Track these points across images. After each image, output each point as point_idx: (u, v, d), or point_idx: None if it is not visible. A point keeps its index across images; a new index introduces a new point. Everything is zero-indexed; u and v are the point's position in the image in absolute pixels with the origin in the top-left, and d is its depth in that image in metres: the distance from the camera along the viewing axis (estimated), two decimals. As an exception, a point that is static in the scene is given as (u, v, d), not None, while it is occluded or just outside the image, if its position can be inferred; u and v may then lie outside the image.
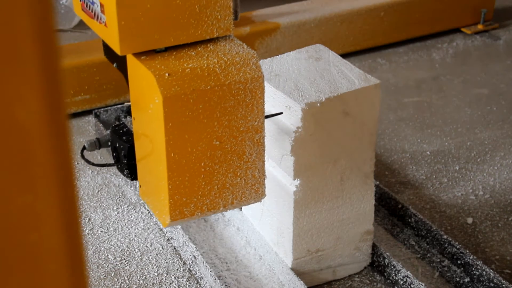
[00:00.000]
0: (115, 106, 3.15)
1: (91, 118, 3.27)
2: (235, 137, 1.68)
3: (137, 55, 1.63)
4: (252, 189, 1.77)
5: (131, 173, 1.84)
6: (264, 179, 1.79)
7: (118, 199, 2.72)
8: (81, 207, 2.68)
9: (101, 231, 2.56)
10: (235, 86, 1.63)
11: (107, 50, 1.76)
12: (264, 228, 2.32)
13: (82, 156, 1.95)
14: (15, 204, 0.60)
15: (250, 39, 3.59)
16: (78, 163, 2.96)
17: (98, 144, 1.93)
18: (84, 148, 1.94)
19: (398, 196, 2.72)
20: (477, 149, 3.06)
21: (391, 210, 2.57)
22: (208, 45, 1.66)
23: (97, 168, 2.92)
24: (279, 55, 2.26)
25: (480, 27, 4.20)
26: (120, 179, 2.83)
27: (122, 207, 2.67)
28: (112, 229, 2.57)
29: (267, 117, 1.92)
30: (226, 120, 1.65)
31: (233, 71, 1.63)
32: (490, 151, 3.04)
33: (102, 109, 3.16)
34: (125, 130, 1.84)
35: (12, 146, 0.58)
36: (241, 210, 2.44)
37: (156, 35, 1.60)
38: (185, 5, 1.59)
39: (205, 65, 1.61)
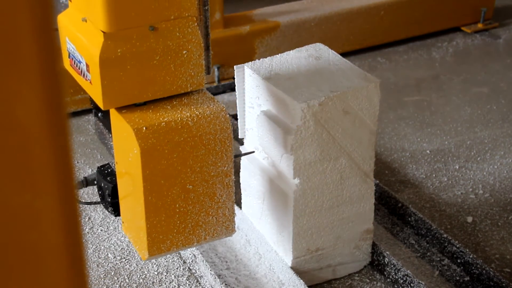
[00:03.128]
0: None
1: (91, 117, 3.27)
2: (207, 181, 1.85)
3: (119, 108, 1.80)
4: (223, 226, 1.94)
5: (115, 210, 2.01)
6: (234, 217, 1.95)
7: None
8: (81, 206, 2.68)
9: (101, 230, 2.56)
10: (206, 137, 1.80)
11: (93, 101, 1.90)
12: (264, 227, 2.32)
13: None
14: (15, 203, 0.60)
15: (250, 38, 3.59)
16: (78, 162, 2.96)
17: (85, 182, 2.11)
18: None
19: (398, 195, 2.73)
20: (477, 148, 3.06)
21: (391, 209, 2.57)
22: (183, 98, 1.84)
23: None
24: (279, 54, 2.26)
25: (480, 26, 4.20)
26: (120, 178, 2.83)
27: (122, 206, 2.68)
28: (112, 228, 2.57)
29: (238, 156, 2.12)
30: (198, 166, 1.82)
31: (204, 124, 1.80)
32: (490, 150, 3.04)
33: (102, 108, 3.16)
34: (109, 170, 2.03)
35: (12, 145, 0.58)
36: (240, 209, 2.45)
37: (136, 91, 1.77)
38: (161, 64, 1.76)
39: (179, 118, 1.79)
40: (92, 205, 2.68)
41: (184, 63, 1.79)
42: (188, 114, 1.80)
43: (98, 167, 2.06)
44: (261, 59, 2.23)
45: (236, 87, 2.24)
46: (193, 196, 1.84)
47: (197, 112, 1.81)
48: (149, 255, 1.86)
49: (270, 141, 2.12)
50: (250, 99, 2.22)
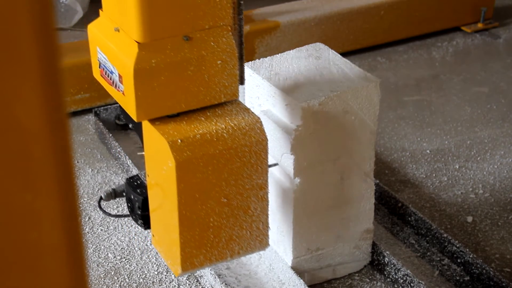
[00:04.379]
0: (115, 105, 3.15)
1: (91, 117, 3.27)
2: (241, 195, 1.81)
3: (152, 120, 1.76)
4: (256, 240, 1.90)
5: (145, 223, 1.98)
6: (268, 231, 1.92)
7: (118, 198, 2.72)
8: (81, 205, 2.68)
9: (101, 230, 2.56)
10: (241, 149, 1.76)
11: (124, 112, 1.88)
12: (264, 226, 2.33)
13: (100, 207, 2.15)
14: (15, 202, 0.60)
15: (250, 37, 3.59)
16: (78, 162, 2.96)
17: (114, 194, 2.10)
18: (101, 198, 2.12)
19: (398, 194, 2.73)
20: (477, 147, 3.06)
21: (391, 208, 2.57)
22: (216, 110, 1.80)
23: (97, 166, 2.92)
24: (279, 54, 2.26)
25: (480, 25, 4.20)
26: (120, 178, 2.83)
27: (122, 206, 2.67)
28: (112, 227, 2.57)
29: None
30: (233, 179, 1.78)
31: (239, 136, 1.76)
32: (490, 150, 3.04)
33: (102, 108, 3.16)
34: (139, 182, 1.99)
35: (12, 145, 0.58)
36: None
37: (169, 102, 1.74)
38: (195, 75, 1.73)
39: (214, 130, 1.75)
40: (93, 203, 2.68)
41: (218, 73, 1.76)
42: (223, 126, 1.76)
43: (127, 179, 2.03)
44: (261, 59, 2.23)
45: (236, 87, 2.24)
46: (227, 209, 1.80)
47: (232, 124, 1.77)
48: (182, 270, 1.82)
49: (270, 141, 2.12)
50: (250, 99, 2.22)
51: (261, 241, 1.91)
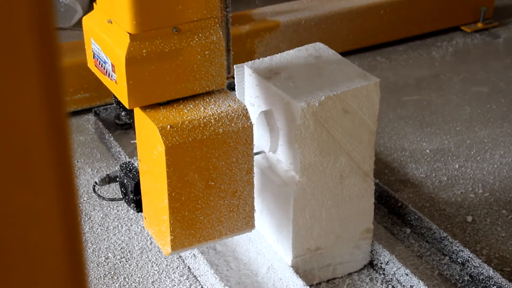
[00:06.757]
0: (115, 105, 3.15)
1: (90, 117, 3.27)
2: (228, 178, 1.90)
3: (143, 107, 1.85)
4: (243, 221, 1.98)
5: (137, 207, 2.05)
6: (254, 213, 1.99)
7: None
8: (81, 205, 2.68)
9: (101, 229, 2.56)
10: (227, 135, 1.85)
11: (117, 101, 1.97)
12: (264, 226, 2.32)
13: (94, 191, 2.21)
14: (15, 202, 0.60)
15: (249, 37, 3.59)
16: (78, 162, 2.96)
17: (108, 179, 2.17)
18: (95, 183, 2.19)
19: (398, 194, 2.72)
20: (476, 147, 3.06)
21: (391, 208, 2.57)
22: (205, 98, 1.89)
23: (97, 166, 2.92)
24: (279, 53, 2.26)
25: (479, 25, 4.20)
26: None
27: (122, 205, 2.67)
28: (111, 227, 2.57)
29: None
30: (220, 164, 1.87)
31: (226, 122, 1.85)
32: (490, 149, 3.04)
33: (102, 107, 3.16)
34: (131, 167, 2.07)
35: (11, 144, 0.58)
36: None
37: (160, 90, 1.82)
38: (184, 64, 1.82)
39: (202, 117, 1.84)
40: (92, 203, 2.68)
41: (206, 63, 1.84)
42: (210, 112, 1.85)
43: (120, 165, 2.10)
44: (260, 59, 2.23)
45: (236, 87, 2.24)
46: (215, 192, 1.89)
47: (219, 111, 1.85)
48: (172, 250, 1.90)
49: (269, 140, 2.12)
50: (250, 99, 2.22)
51: (247, 223, 1.99)
